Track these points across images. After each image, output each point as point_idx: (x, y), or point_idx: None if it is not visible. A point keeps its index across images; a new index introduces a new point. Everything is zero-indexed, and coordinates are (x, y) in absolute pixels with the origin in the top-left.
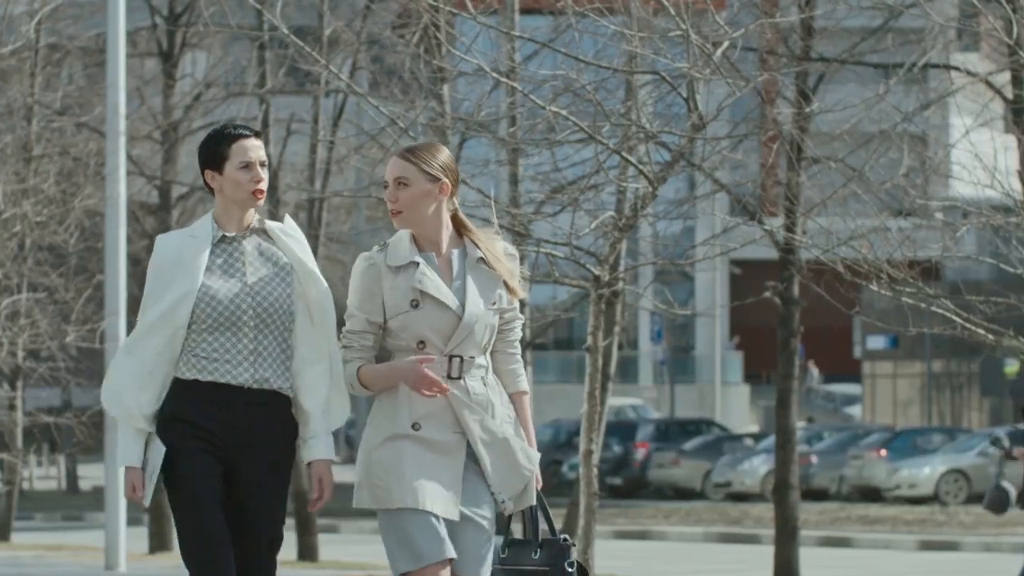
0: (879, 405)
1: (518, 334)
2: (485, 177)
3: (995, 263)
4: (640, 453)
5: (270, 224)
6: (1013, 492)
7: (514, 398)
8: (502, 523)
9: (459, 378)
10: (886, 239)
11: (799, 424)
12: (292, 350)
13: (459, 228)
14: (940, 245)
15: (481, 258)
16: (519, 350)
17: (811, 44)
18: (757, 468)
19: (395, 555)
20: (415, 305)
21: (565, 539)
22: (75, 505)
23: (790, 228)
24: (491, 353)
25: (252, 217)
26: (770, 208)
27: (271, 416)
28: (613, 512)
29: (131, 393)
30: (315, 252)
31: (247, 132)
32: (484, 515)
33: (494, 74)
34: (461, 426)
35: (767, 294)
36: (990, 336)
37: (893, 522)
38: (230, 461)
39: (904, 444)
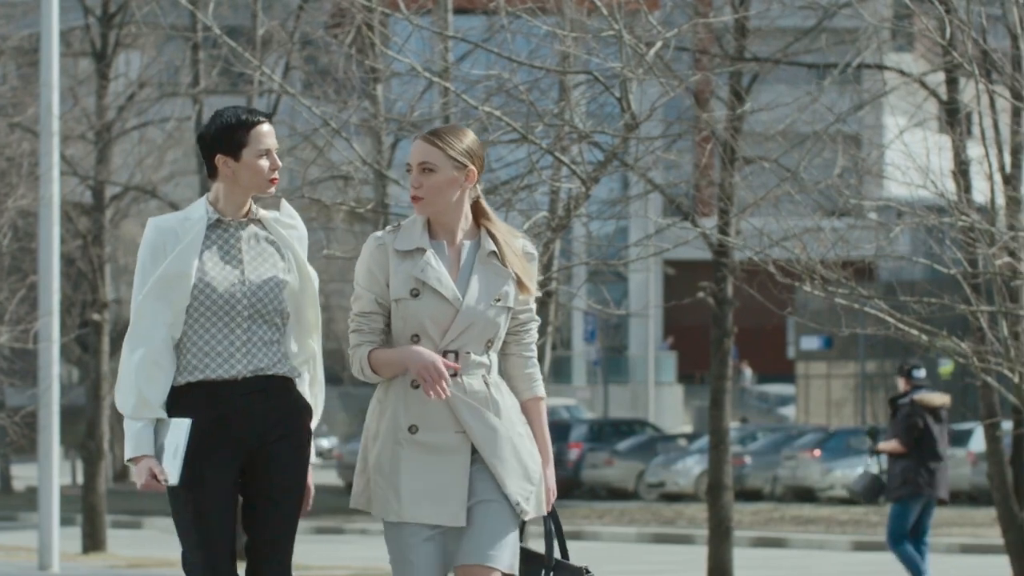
0: (813, 405)
1: (534, 336)
2: None
3: (929, 263)
4: (573, 453)
5: (265, 213)
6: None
7: (530, 404)
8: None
9: (455, 375)
10: (819, 239)
11: (733, 424)
12: (286, 340)
13: (479, 217)
14: (874, 245)
15: (493, 252)
16: (535, 353)
17: (745, 44)
18: (691, 468)
19: (395, 568)
20: (415, 294)
21: (586, 569)
22: (8, 505)
23: (724, 229)
24: (504, 356)
25: (250, 204)
26: (704, 208)
27: (274, 400)
28: None
29: (140, 384)
30: None
31: (263, 118)
32: (501, 499)
33: (427, 74)
34: (462, 425)
35: (701, 295)
36: (924, 336)
37: (827, 522)
38: (240, 455)
39: (838, 445)
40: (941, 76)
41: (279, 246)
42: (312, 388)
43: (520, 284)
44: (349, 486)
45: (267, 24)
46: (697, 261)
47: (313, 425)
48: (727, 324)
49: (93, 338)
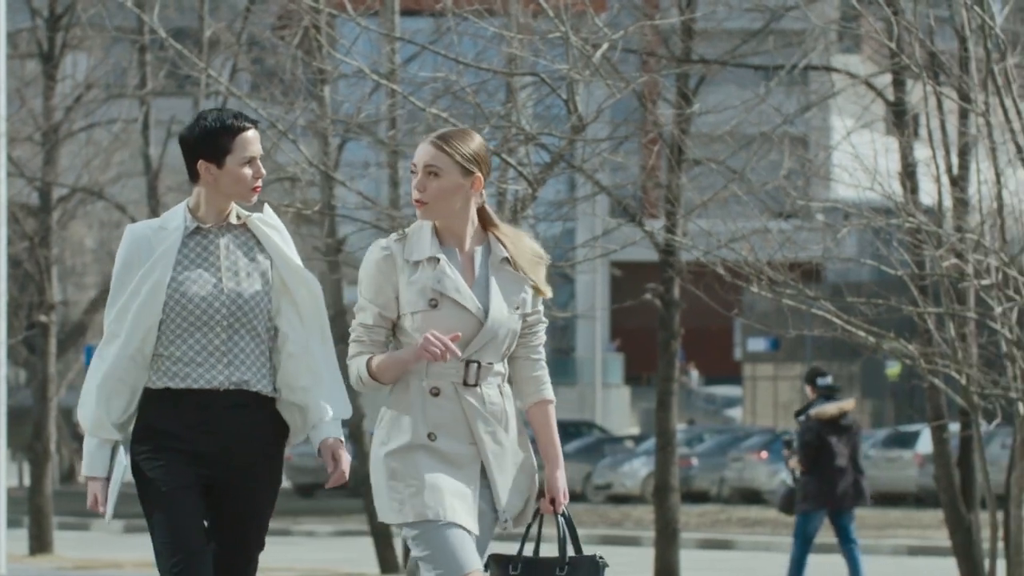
0: (760, 407)
1: (542, 338)
2: (365, 179)
3: (876, 265)
4: None
5: (247, 215)
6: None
7: (538, 408)
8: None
9: (475, 385)
10: (767, 241)
11: (680, 426)
12: (274, 350)
13: (484, 222)
14: (821, 247)
15: (506, 258)
16: (543, 355)
17: (692, 46)
18: (637, 470)
19: (436, 567)
20: (433, 305)
21: (600, 557)
22: None
23: (671, 230)
24: (512, 359)
25: (231, 210)
26: (651, 210)
27: (253, 418)
28: None
29: (101, 401)
30: None
31: (249, 124)
32: (484, 529)
33: (374, 76)
34: (474, 438)
35: (647, 296)
36: (871, 338)
37: (774, 524)
38: (213, 471)
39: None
40: (888, 78)
41: (263, 249)
42: (320, 386)
43: (536, 289)
44: (298, 488)
45: (214, 26)
46: (644, 263)
47: (344, 415)
48: (674, 326)
49: (40, 340)
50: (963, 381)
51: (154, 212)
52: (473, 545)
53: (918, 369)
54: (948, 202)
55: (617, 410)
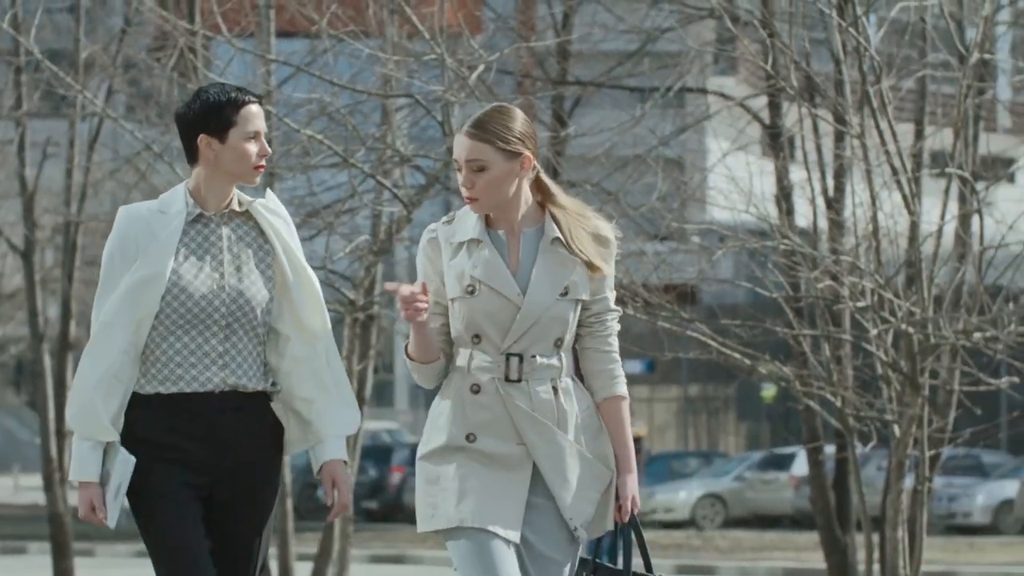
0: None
1: (613, 327)
2: None
3: (751, 287)
4: (396, 477)
5: (250, 200)
6: None
7: (608, 404)
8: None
9: (519, 380)
10: (642, 263)
11: None
12: (271, 351)
13: (543, 197)
14: (696, 269)
15: (558, 238)
16: (615, 347)
17: (567, 68)
18: None
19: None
20: (471, 291)
21: None
22: None
23: None
24: (581, 350)
25: (233, 195)
26: None
27: (249, 422)
28: (369, 536)
29: (97, 399)
30: (70, 276)
31: (253, 98)
32: (553, 543)
33: None
34: (522, 438)
35: None
36: (746, 360)
37: (650, 546)
38: (209, 480)
39: (660, 468)
40: (764, 100)
41: (267, 240)
42: (316, 388)
43: (590, 266)
44: None
45: (90, 48)
46: None
47: (350, 429)
48: None
49: None
50: (838, 403)
51: (30, 234)
52: (511, 555)
53: (793, 391)
54: (823, 224)
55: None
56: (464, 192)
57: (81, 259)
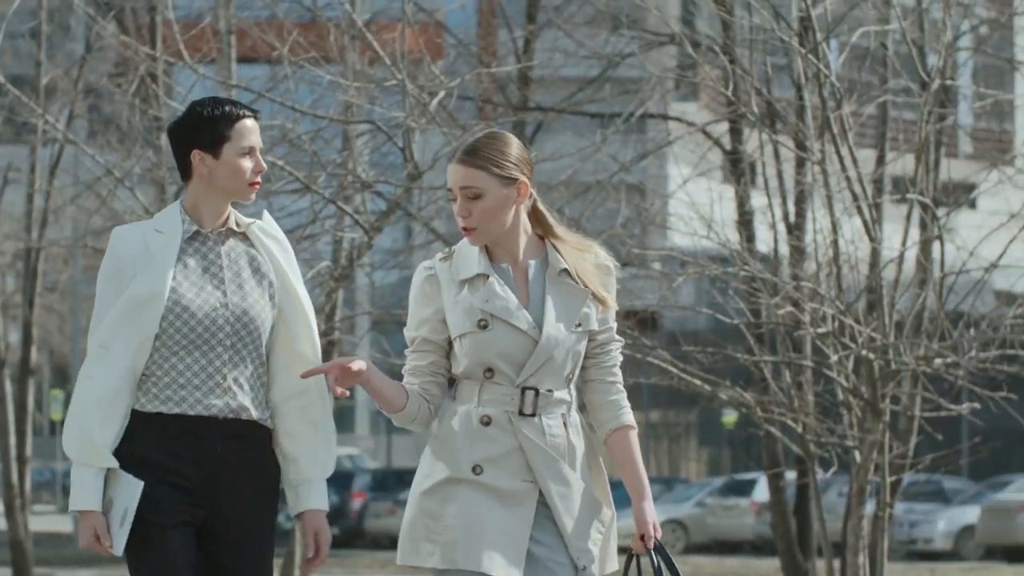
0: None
1: (617, 358)
2: None
3: (712, 313)
4: (357, 503)
5: (245, 221)
6: None
7: (618, 435)
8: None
9: (533, 415)
10: None
11: None
12: (269, 376)
13: (541, 229)
14: (657, 295)
15: (565, 269)
16: (619, 377)
17: (528, 94)
18: None
19: None
20: (483, 326)
21: None
22: None
23: None
24: (585, 383)
25: (229, 214)
26: None
27: (250, 450)
28: (330, 562)
29: (95, 424)
30: (31, 302)
31: (248, 112)
32: (561, 561)
33: None
34: (532, 473)
35: None
36: (707, 386)
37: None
38: (207, 509)
39: (622, 495)
40: (725, 126)
41: (264, 261)
42: (306, 425)
43: (598, 299)
44: None
45: (51, 73)
46: None
47: (323, 469)
48: None
49: None
50: (799, 429)
51: None
52: None
53: (754, 417)
54: (784, 250)
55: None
56: (460, 222)
57: (42, 285)
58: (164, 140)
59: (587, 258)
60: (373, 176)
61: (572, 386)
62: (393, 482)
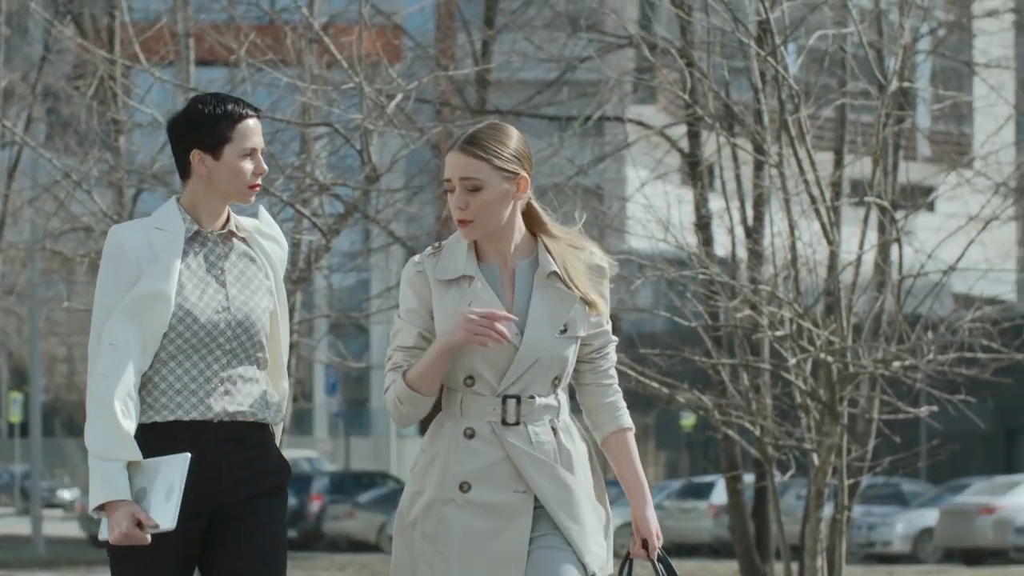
0: None
1: (611, 360)
2: None
3: (670, 316)
4: (315, 506)
5: (245, 221)
6: None
7: (616, 437)
8: None
9: (517, 423)
10: None
11: None
12: (265, 379)
13: (533, 227)
14: (615, 298)
15: (554, 272)
16: (615, 379)
17: (486, 96)
18: None
19: None
20: None
21: None
22: None
23: None
24: (580, 386)
25: (229, 215)
26: None
27: (251, 452)
28: (289, 564)
29: (117, 416)
30: None
31: (251, 112)
32: (568, 566)
33: None
34: (525, 482)
35: None
36: (665, 389)
37: None
38: (207, 516)
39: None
40: (683, 129)
41: (262, 264)
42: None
43: (588, 303)
44: (92, 538)
45: (8, 76)
46: None
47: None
48: None
49: None
50: (757, 432)
51: None
52: None
53: (712, 420)
54: (742, 253)
55: (412, 461)
56: (456, 214)
57: (0, 287)
58: (122, 142)
59: (580, 257)
60: (331, 179)
61: (560, 391)
62: (351, 485)
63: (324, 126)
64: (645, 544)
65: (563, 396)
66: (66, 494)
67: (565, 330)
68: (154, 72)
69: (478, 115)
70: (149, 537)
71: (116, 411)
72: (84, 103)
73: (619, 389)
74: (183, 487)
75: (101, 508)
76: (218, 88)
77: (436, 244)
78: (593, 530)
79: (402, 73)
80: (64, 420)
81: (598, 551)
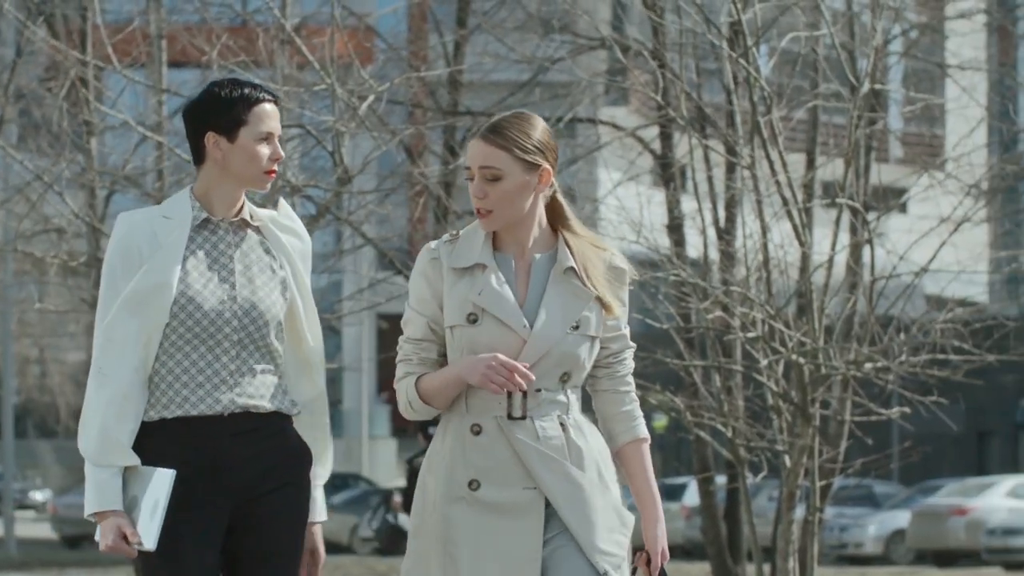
0: None
1: (629, 366)
2: None
3: (642, 318)
4: None
5: (260, 212)
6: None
7: (631, 448)
8: None
9: (523, 417)
10: None
11: None
12: (284, 372)
13: (555, 221)
14: None
15: (571, 268)
16: (632, 387)
17: (458, 98)
18: (405, 523)
19: None
20: (472, 320)
21: None
22: None
23: None
24: (596, 393)
25: (243, 203)
26: None
27: (265, 444)
28: None
29: (111, 421)
30: None
31: (268, 96)
32: (578, 567)
33: (141, 128)
34: (534, 480)
35: None
36: (637, 391)
37: None
38: (225, 515)
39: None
40: (655, 130)
41: (276, 256)
42: (316, 432)
43: (603, 304)
44: (64, 539)
45: None
46: None
47: (323, 477)
48: None
49: None
50: (729, 434)
51: None
52: None
53: (684, 422)
54: (714, 255)
55: (384, 463)
56: (475, 203)
57: None
58: (95, 144)
59: (601, 257)
60: (303, 180)
61: (570, 389)
62: (326, 485)
63: (296, 127)
64: (649, 563)
65: (573, 395)
66: (38, 495)
67: (577, 327)
68: (126, 74)
69: (450, 116)
70: (136, 551)
71: (110, 415)
72: (56, 104)
73: (636, 397)
74: (167, 505)
75: (97, 515)
76: (190, 90)
77: (454, 232)
78: (606, 528)
79: (374, 75)
80: (36, 422)
81: (610, 549)
